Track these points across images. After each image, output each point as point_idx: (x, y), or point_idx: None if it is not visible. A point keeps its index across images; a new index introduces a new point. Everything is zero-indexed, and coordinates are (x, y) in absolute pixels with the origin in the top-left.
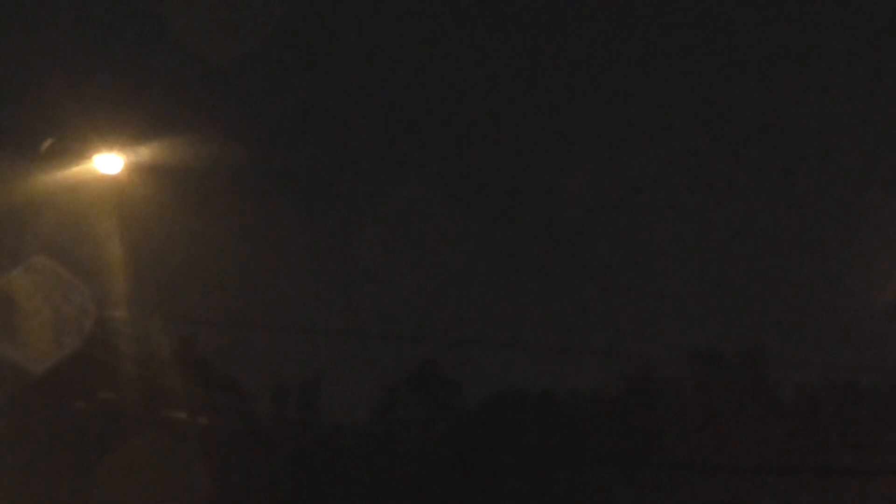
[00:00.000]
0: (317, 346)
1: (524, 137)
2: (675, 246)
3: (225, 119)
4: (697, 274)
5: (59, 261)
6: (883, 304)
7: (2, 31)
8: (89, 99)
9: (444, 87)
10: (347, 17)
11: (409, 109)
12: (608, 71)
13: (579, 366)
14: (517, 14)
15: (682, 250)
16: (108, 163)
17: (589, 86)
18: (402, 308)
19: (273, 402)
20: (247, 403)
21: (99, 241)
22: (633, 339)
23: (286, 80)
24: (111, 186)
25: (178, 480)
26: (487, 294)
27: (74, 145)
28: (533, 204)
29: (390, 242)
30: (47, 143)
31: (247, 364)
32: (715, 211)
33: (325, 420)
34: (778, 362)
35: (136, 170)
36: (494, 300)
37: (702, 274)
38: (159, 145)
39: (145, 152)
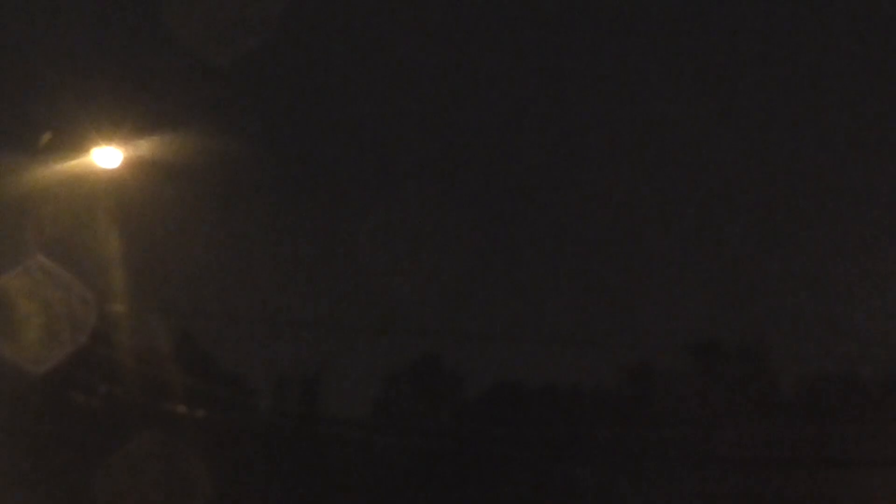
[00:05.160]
0: (317, 339)
1: (522, 131)
2: (675, 238)
3: (224, 114)
4: (697, 265)
5: (57, 255)
6: (883, 294)
7: (1, 25)
8: (88, 93)
9: (443, 86)
10: (348, 14)
11: (408, 108)
12: (606, 69)
13: (580, 358)
14: (520, 13)
15: (682, 242)
16: (107, 157)
17: (585, 82)
18: (402, 301)
19: (273, 396)
20: (247, 397)
21: (97, 235)
22: (634, 331)
23: (287, 76)
24: (110, 180)
25: (178, 474)
26: (488, 287)
27: (73, 139)
28: (532, 197)
29: (391, 236)
30: (46, 137)
31: (247, 358)
32: (714, 203)
33: (325, 413)
34: (778, 354)
35: (134, 164)
36: (495, 293)
37: (702, 265)
38: (158, 139)
39: (144, 146)
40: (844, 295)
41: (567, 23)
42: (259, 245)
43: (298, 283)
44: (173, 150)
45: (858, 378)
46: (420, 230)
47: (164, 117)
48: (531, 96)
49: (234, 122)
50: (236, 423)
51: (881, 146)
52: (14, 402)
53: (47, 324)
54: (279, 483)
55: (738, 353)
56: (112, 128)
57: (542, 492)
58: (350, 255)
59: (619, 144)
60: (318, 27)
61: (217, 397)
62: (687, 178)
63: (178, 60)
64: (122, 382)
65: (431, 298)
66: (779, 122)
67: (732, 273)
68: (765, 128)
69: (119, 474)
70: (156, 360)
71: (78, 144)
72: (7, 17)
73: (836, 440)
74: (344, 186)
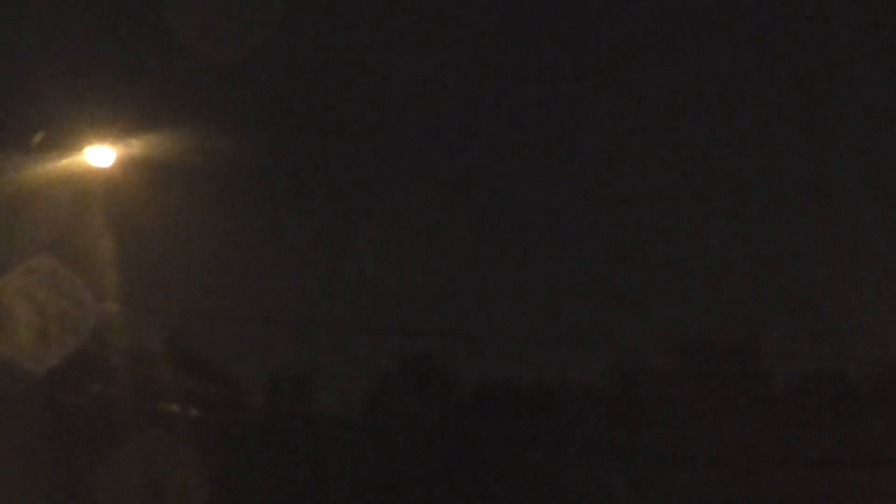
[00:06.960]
0: (310, 338)
1: (519, 133)
2: (667, 237)
3: (218, 112)
4: (689, 265)
5: (51, 255)
6: (874, 294)
7: None
8: (81, 91)
9: (442, 87)
10: (349, 14)
11: (405, 108)
12: (606, 71)
13: (572, 357)
14: (522, 16)
15: (674, 242)
16: (100, 155)
17: (584, 86)
18: (394, 300)
19: (266, 395)
20: (239, 396)
21: (90, 234)
22: (626, 331)
23: (283, 75)
24: (102, 179)
25: (170, 473)
26: (480, 286)
27: (66, 138)
28: (525, 197)
29: (383, 235)
30: (39, 136)
31: (239, 357)
32: (706, 203)
33: (318, 412)
34: (769, 353)
35: (127, 162)
36: (487, 292)
37: (693, 265)
38: (151, 138)
39: (137, 145)
40: (836, 294)
41: (567, 23)
42: (252, 245)
43: (292, 282)
44: (167, 149)
45: (849, 377)
46: (413, 230)
47: (157, 116)
48: (525, 98)
49: (228, 120)
50: (230, 422)
51: (876, 146)
52: (8, 402)
53: (44, 324)
54: (273, 482)
55: (729, 353)
56: (105, 126)
57: (533, 491)
58: (342, 255)
59: (612, 147)
60: (318, 27)
61: (211, 397)
62: (678, 179)
63: (172, 58)
64: (115, 382)
65: (423, 298)
66: (773, 122)
67: (723, 273)
68: (757, 129)
69: (113, 474)
70: (149, 359)
71: (71, 143)
72: (0, 14)
73: (828, 439)
74: (336, 187)
